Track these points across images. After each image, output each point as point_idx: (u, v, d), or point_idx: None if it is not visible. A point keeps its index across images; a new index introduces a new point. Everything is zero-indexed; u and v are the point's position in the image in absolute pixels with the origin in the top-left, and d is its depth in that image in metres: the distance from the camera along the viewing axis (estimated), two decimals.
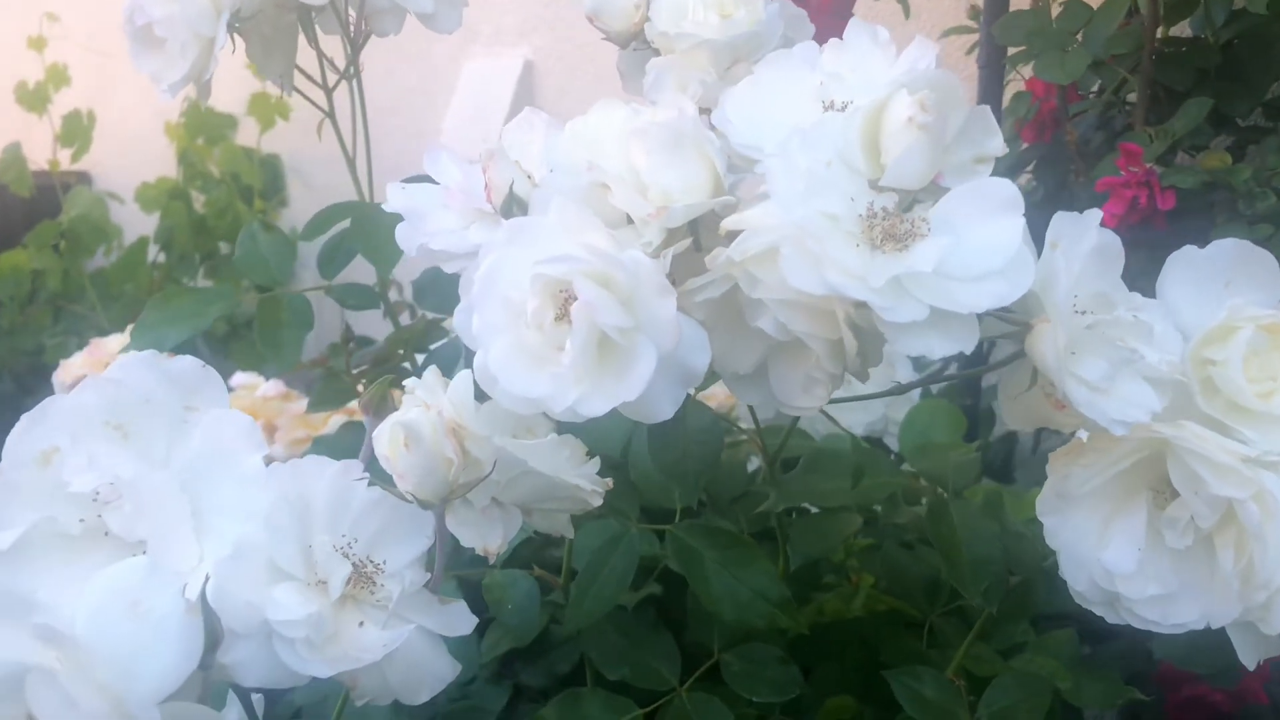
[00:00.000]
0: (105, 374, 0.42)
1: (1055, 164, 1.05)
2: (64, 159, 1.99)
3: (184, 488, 0.39)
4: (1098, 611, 0.46)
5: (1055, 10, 0.98)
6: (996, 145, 0.44)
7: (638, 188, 0.44)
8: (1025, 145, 1.06)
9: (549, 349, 0.42)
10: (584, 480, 0.45)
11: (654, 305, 0.41)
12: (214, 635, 0.37)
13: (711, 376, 0.50)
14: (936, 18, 1.34)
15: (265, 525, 0.39)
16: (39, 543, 0.39)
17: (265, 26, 0.73)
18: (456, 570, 0.59)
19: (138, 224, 1.99)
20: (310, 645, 0.38)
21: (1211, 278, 0.46)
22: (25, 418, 0.40)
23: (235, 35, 0.70)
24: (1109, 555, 0.44)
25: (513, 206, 0.47)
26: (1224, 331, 0.44)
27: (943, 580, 0.69)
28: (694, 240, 0.45)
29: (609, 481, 0.46)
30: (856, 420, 0.85)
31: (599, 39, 0.66)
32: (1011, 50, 1.03)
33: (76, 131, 1.97)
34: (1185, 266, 0.47)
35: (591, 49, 1.72)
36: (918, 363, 0.82)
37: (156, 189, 1.96)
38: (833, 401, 0.46)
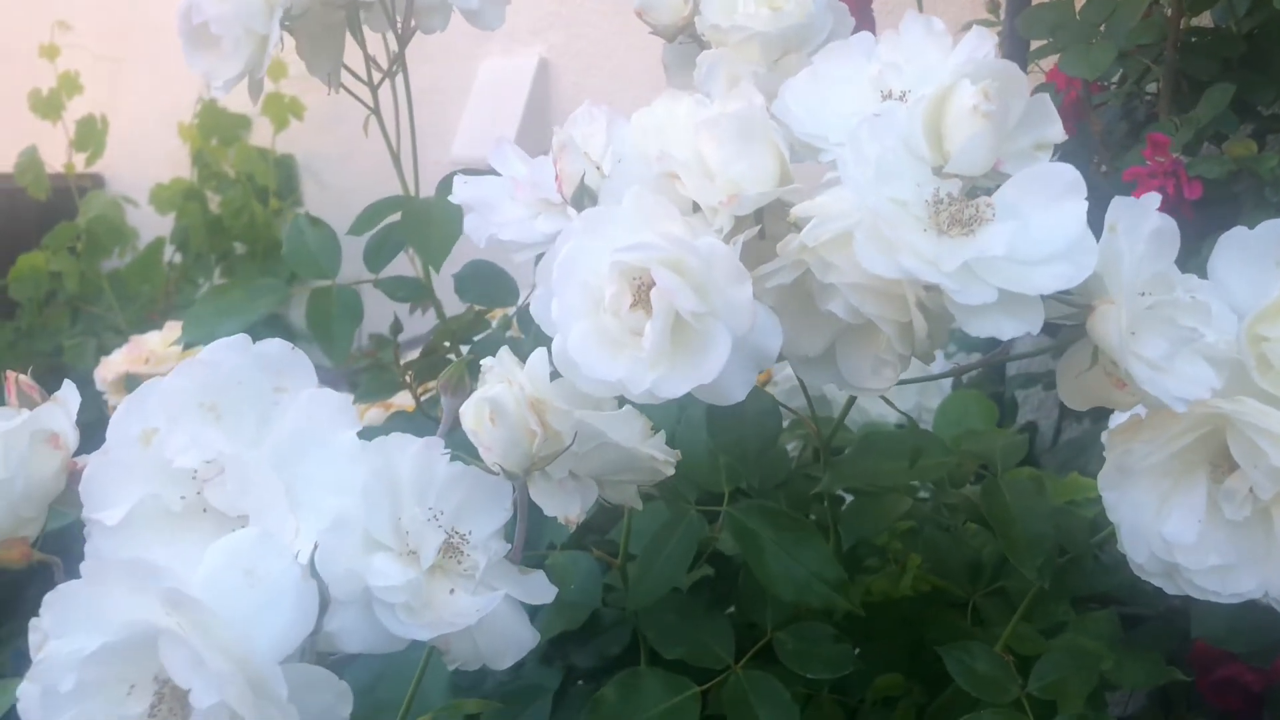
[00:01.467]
0: (198, 357, 0.43)
1: (1077, 155, 1.07)
2: (79, 162, 2.01)
3: (277, 464, 0.41)
4: (1156, 583, 0.47)
5: (1079, 2, 1.00)
6: (1056, 132, 0.46)
7: (707, 176, 0.45)
8: None
9: (626, 334, 0.43)
10: (657, 451, 0.47)
11: (729, 291, 0.42)
12: (321, 602, 0.39)
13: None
14: (955, 11, 1.35)
15: (363, 498, 0.40)
16: (144, 518, 0.40)
17: (314, 24, 0.74)
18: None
19: (153, 225, 2.00)
20: (410, 610, 0.40)
21: (1262, 257, 0.48)
22: (126, 400, 0.42)
23: (286, 33, 0.72)
24: (1169, 527, 0.45)
25: (584, 197, 0.48)
26: (1278, 308, 0.46)
27: (984, 561, 0.70)
28: (760, 228, 0.47)
29: (679, 453, 0.48)
30: (891, 410, 0.86)
31: (614, 36, 0.67)
32: (1035, 44, 1.04)
33: (91, 136, 1.98)
34: (1236, 247, 0.48)
35: (607, 47, 1.73)
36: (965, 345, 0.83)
37: (171, 190, 1.96)
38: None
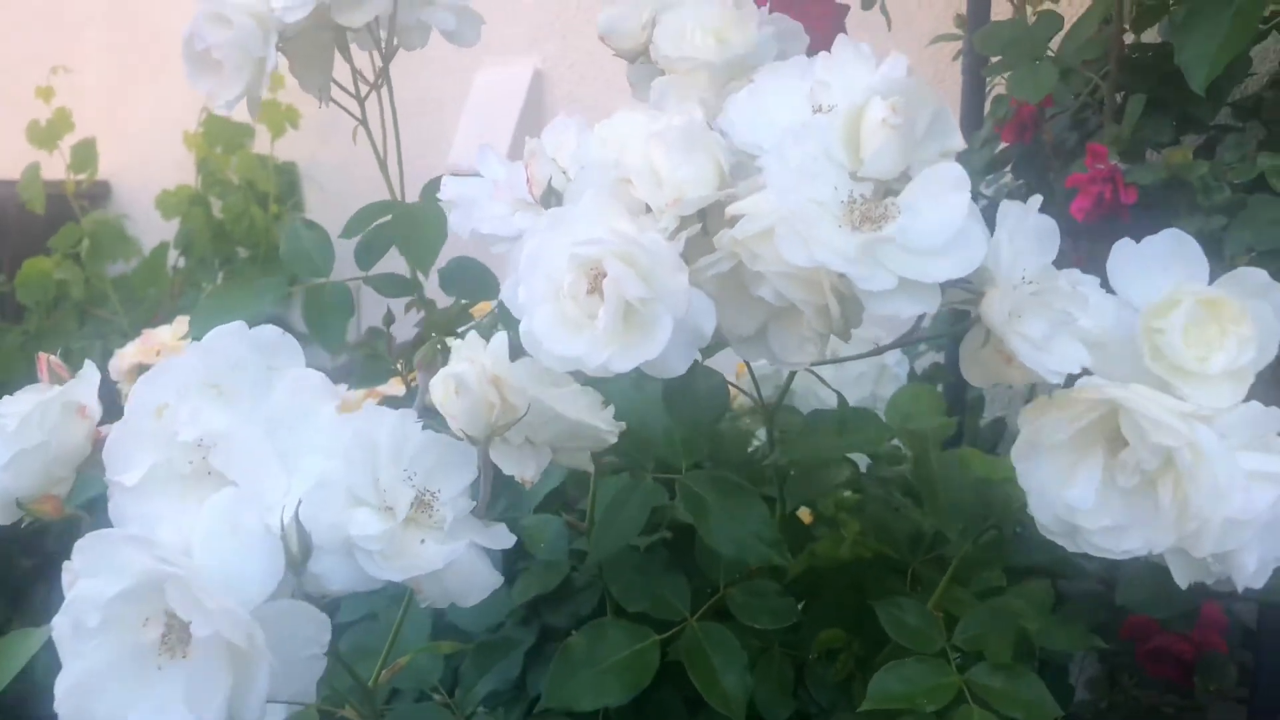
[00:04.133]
0: (202, 342, 0.51)
1: (1034, 162, 1.14)
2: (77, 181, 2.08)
3: (270, 433, 0.48)
4: (1060, 542, 0.54)
5: (1031, 19, 1.06)
6: (957, 141, 0.53)
7: (656, 181, 0.52)
8: (1005, 145, 1.14)
9: (583, 317, 0.50)
10: (602, 422, 0.54)
11: (670, 279, 0.49)
12: (305, 549, 0.46)
13: (716, 345, 0.58)
14: (929, 24, 1.42)
15: (343, 460, 0.47)
16: (157, 480, 0.48)
17: (305, 44, 0.81)
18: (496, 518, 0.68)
19: (159, 230, 2.06)
20: (385, 556, 0.47)
21: (1154, 262, 0.55)
22: (142, 379, 0.49)
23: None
24: (1071, 493, 0.52)
25: (551, 198, 0.55)
26: (1168, 304, 0.52)
27: (925, 532, 0.77)
28: (703, 225, 0.54)
29: (623, 425, 0.55)
30: (847, 397, 0.93)
31: (605, 48, 0.74)
32: (993, 59, 1.11)
33: (87, 160, 2.05)
34: (1130, 253, 0.55)
35: (599, 58, 1.80)
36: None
37: (176, 196, 2.03)
38: (819, 364, 0.55)
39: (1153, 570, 0.70)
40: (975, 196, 1.21)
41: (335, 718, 0.58)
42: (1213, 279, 0.89)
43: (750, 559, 0.62)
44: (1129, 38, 1.07)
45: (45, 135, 2.02)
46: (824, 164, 0.50)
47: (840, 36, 0.58)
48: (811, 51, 1.04)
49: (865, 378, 0.93)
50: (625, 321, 0.50)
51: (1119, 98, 1.08)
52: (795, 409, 0.77)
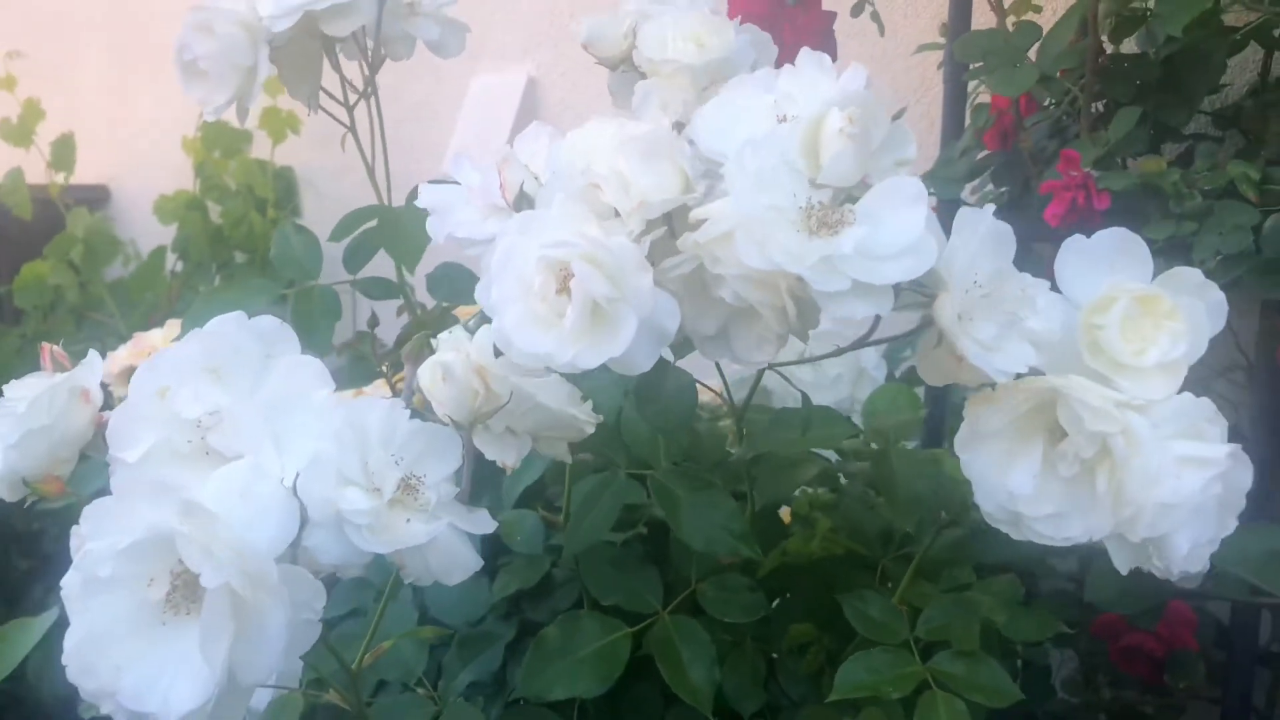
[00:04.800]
0: (204, 329, 0.53)
1: (1014, 170, 1.16)
2: (61, 179, 2.08)
3: (267, 416, 0.50)
4: (1004, 529, 0.56)
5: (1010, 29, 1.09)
6: (911, 152, 0.55)
7: (623, 187, 0.54)
8: (986, 152, 1.16)
9: (552, 316, 0.52)
10: (580, 412, 0.56)
11: (634, 280, 0.52)
12: (301, 521, 0.48)
13: (686, 345, 0.60)
14: (916, 33, 1.44)
15: (335, 442, 0.49)
16: (157, 457, 0.50)
17: (295, 54, 0.83)
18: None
19: (156, 235, 2.08)
20: (372, 530, 0.49)
21: (1098, 260, 0.57)
22: (145, 364, 0.52)
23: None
24: (1012, 481, 0.54)
25: (523, 202, 0.58)
26: (1106, 301, 0.55)
27: (895, 530, 0.79)
28: (669, 229, 0.56)
29: (600, 417, 0.57)
30: (825, 398, 0.95)
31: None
32: (972, 66, 1.13)
33: (66, 156, 2.05)
34: (1076, 252, 0.57)
35: (591, 65, 1.82)
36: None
37: (174, 201, 2.04)
38: (793, 364, 0.57)
39: (1119, 569, 0.72)
40: (958, 203, 1.24)
41: (320, 702, 0.60)
42: None
43: (719, 551, 0.64)
44: (1109, 47, 1.09)
45: (19, 131, 2.02)
46: (784, 172, 0.52)
47: (804, 50, 0.60)
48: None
49: (842, 380, 0.95)
50: (592, 320, 0.52)
51: (1100, 106, 1.10)
52: (769, 408, 0.79)
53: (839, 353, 0.60)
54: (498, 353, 0.54)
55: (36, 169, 2.04)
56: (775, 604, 0.73)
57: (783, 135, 0.54)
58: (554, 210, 0.54)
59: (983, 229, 0.53)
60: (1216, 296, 0.56)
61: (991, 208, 0.53)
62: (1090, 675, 1.10)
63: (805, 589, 0.75)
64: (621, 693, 0.73)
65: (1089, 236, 0.61)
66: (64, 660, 0.45)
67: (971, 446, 0.56)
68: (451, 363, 0.52)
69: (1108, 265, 0.57)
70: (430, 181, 0.68)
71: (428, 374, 0.53)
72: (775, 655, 0.74)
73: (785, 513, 0.84)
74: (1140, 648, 0.97)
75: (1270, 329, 0.94)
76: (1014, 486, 0.55)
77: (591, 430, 0.57)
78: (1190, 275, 0.56)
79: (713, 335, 0.55)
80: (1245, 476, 0.54)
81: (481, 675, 0.73)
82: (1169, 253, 0.91)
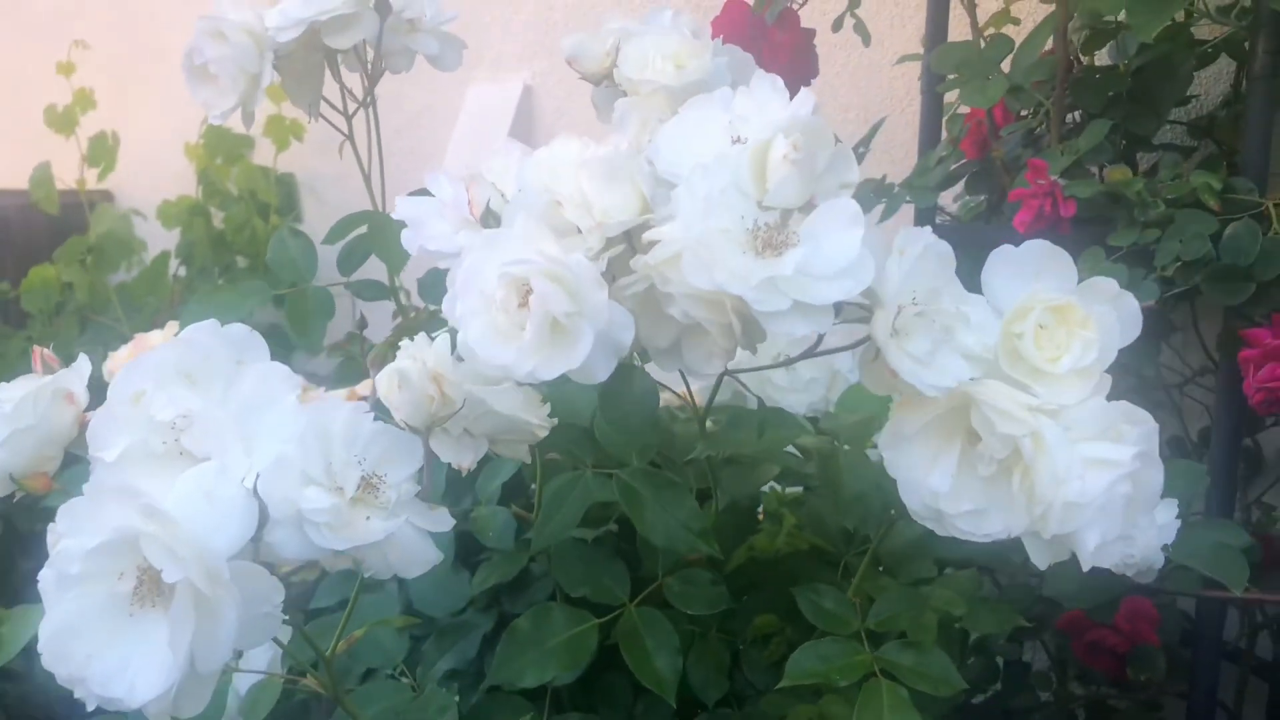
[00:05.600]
0: (179, 336, 0.57)
1: (986, 179, 1.19)
2: (90, 178, 2.12)
3: (237, 419, 0.54)
4: (928, 525, 0.59)
5: (983, 43, 1.12)
6: (854, 175, 0.58)
7: (584, 206, 0.58)
8: (961, 161, 1.19)
9: (513, 329, 0.56)
10: (533, 418, 0.60)
11: (591, 296, 0.55)
12: (261, 520, 0.52)
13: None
14: (899, 44, 1.47)
15: (299, 444, 0.53)
16: (134, 457, 0.53)
17: (298, 64, 0.87)
18: (453, 509, 0.74)
19: (159, 240, 2.12)
20: (331, 528, 0.53)
21: (1023, 270, 0.60)
22: (123, 369, 0.55)
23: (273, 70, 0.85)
24: (933, 479, 0.58)
25: (489, 219, 0.61)
26: (1023, 311, 0.58)
27: (857, 528, 0.83)
28: (629, 245, 0.59)
29: (554, 421, 0.61)
30: (799, 400, 0.98)
31: None
32: (950, 77, 1.16)
33: (102, 152, 2.08)
34: (1004, 261, 0.61)
35: None
36: None
37: (178, 206, 2.06)
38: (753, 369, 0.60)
39: (1079, 563, 0.75)
40: (936, 212, 1.27)
41: (297, 687, 0.64)
42: (1144, 289, 0.94)
43: (679, 547, 0.67)
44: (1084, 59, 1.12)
45: (63, 119, 2.06)
46: (732, 194, 0.56)
47: (757, 72, 0.63)
48: (781, 77, 1.10)
49: (817, 383, 0.98)
50: (551, 333, 0.55)
51: (1077, 116, 1.13)
52: (730, 408, 0.82)
53: (786, 363, 0.63)
54: (459, 356, 0.58)
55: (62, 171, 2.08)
56: (745, 599, 0.77)
57: (731, 159, 0.57)
58: (516, 228, 0.57)
59: (917, 249, 0.56)
60: (1131, 306, 0.59)
61: (929, 229, 0.57)
62: (1061, 670, 1.14)
63: (771, 583, 0.78)
64: (593, 682, 0.77)
65: (1057, 243, 0.64)
66: (39, 648, 0.49)
67: (895, 446, 0.59)
68: (407, 370, 0.56)
69: (1033, 275, 0.60)
70: (409, 194, 0.72)
71: (384, 381, 0.57)
72: (741, 646, 0.78)
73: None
74: (1103, 643, 1.00)
75: (1231, 333, 0.97)
76: (934, 485, 0.58)
77: (544, 434, 0.61)
78: (1106, 285, 0.59)
79: (667, 348, 0.59)
80: (1156, 476, 0.58)
81: (459, 663, 0.77)
82: (1132, 260, 0.95)
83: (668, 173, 0.60)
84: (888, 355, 0.54)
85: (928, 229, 0.57)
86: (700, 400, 0.76)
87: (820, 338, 0.59)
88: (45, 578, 0.50)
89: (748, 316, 0.54)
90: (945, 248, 0.58)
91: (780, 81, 0.63)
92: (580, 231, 0.59)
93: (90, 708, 0.50)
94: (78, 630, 0.49)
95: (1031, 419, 0.55)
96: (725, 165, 0.57)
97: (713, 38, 1.05)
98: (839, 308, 0.55)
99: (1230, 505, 1.02)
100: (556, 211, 0.59)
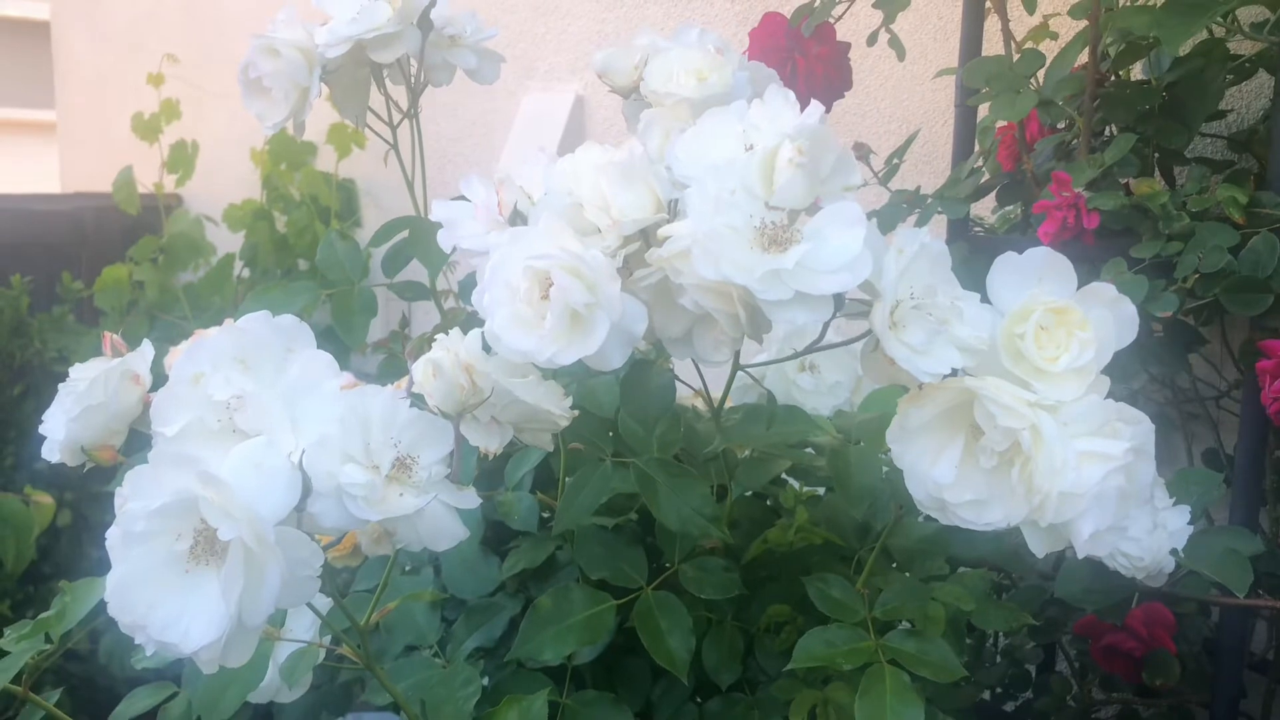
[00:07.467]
0: (234, 325, 0.62)
1: (1017, 190, 1.21)
2: (168, 183, 2.21)
3: (285, 400, 0.58)
4: (933, 515, 0.62)
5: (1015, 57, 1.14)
6: (856, 179, 0.62)
7: (603, 206, 0.62)
8: (997, 173, 1.21)
9: (535, 318, 0.60)
10: (555, 408, 0.64)
11: (607, 288, 0.59)
12: (305, 491, 0.56)
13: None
14: (941, 57, 1.50)
15: (340, 426, 0.58)
16: (192, 432, 0.59)
17: (345, 78, 0.93)
18: (483, 493, 0.78)
19: (225, 242, 2.21)
20: (367, 501, 0.57)
21: (1025, 275, 0.63)
22: (184, 352, 0.61)
23: (322, 83, 0.90)
24: (937, 471, 0.61)
25: (516, 219, 0.66)
26: (1024, 312, 0.61)
27: (871, 524, 0.86)
28: (645, 243, 0.63)
29: (575, 412, 0.65)
30: (824, 403, 1.01)
31: None
32: (983, 90, 1.19)
33: (181, 159, 2.20)
34: (1008, 267, 0.64)
35: None
36: None
37: (243, 210, 2.16)
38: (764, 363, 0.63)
39: (1088, 565, 0.77)
40: (971, 224, 1.29)
41: (334, 654, 0.69)
42: (1164, 300, 0.96)
43: (692, 531, 0.71)
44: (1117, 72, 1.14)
45: (148, 126, 2.16)
46: (741, 195, 0.59)
47: (771, 85, 0.67)
48: (816, 89, 1.13)
49: (841, 386, 1.01)
50: (569, 323, 0.60)
51: (1114, 129, 1.15)
52: (745, 406, 0.86)
53: (793, 356, 0.67)
54: (488, 349, 0.62)
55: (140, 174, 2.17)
56: (760, 589, 0.80)
57: (741, 163, 0.61)
58: (540, 226, 0.61)
59: (913, 248, 0.59)
60: (1128, 310, 0.62)
61: (925, 230, 0.60)
62: (1081, 676, 1.15)
63: (785, 575, 0.81)
64: (614, 665, 0.81)
65: (1081, 254, 0.66)
66: (105, 597, 0.54)
67: (902, 440, 0.62)
68: (441, 360, 0.61)
69: (1035, 279, 0.63)
70: (450, 200, 0.77)
71: (420, 369, 0.61)
72: (754, 634, 0.81)
73: None
74: (1119, 647, 1.01)
75: (1253, 344, 0.98)
76: (939, 476, 0.61)
77: (566, 424, 0.65)
78: (1105, 290, 0.62)
79: (679, 337, 0.63)
80: (1148, 470, 0.60)
81: (485, 642, 0.81)
82: (1154, 272, 0.97)
83: (684, 176, 0.64)
84: (886, 345, 0.57)
85: (924, 230, 0.60)
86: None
87: (826, 329, 0.62)
88: (112, 535, 0.55)
89: (753, 306, 0.58)
90: (941, 247, 0.61)
91: (792, 95, 0.66)
92: (600, 231, 0.63)
93: (149, 653, 0.55)
94: (140, 582, 0.54)
95: (1031, 413, 0.58)
96: (735, 168, 0.60)
97: (750, 49, 1.09)
98: (840, 300, 0.59)
99: (1254, 515, 1.02)
100: (578, 212, 0.63)
